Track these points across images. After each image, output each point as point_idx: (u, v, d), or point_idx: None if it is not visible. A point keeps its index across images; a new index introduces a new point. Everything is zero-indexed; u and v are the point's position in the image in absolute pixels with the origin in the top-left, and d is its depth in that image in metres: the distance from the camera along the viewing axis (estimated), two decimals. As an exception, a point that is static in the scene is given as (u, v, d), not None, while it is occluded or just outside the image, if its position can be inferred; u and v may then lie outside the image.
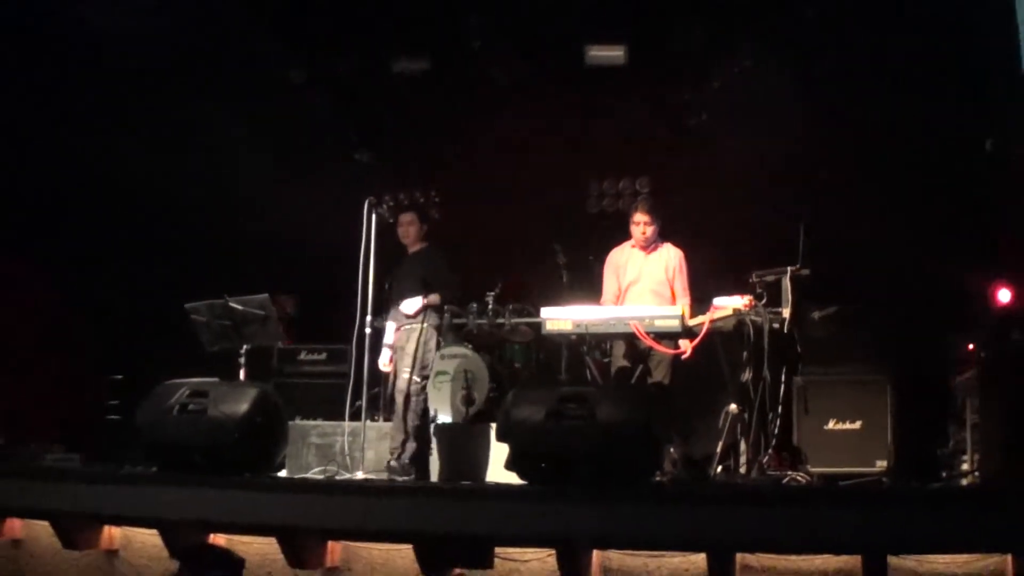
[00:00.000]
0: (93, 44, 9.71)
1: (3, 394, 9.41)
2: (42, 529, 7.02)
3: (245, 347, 7.82)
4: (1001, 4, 7.83)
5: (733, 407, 7.72)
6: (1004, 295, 8.45)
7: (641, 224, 8.13)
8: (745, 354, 7.71)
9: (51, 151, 9.94)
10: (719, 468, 7.77)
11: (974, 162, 8.93)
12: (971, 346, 7.99)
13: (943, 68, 8.72)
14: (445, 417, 8.88)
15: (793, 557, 5.89)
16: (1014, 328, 7.98)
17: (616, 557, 6.19)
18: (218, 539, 6.51)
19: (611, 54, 10.29)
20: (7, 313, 10.06)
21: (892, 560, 5.63)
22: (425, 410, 8.42)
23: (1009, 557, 5.53)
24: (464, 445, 7.63)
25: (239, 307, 7.62)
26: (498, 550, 6.20)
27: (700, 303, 7.93)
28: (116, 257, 10.29)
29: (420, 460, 8.06)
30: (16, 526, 7.16)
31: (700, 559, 5.97)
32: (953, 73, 8.66)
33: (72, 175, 10.04)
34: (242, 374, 7.73)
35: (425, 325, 8.41)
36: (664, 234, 8.26)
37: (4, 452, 8.37)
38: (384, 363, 8.61)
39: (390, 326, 8.62)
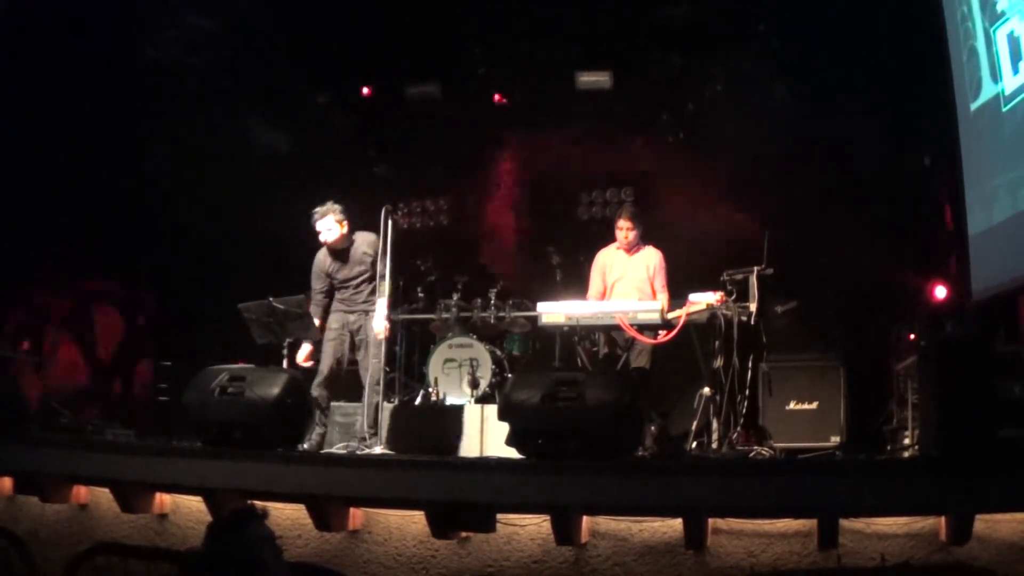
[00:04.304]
0: (156, 76, 9.79)
1: (72, 378, 9.47)
2: (103, 495, 7.02)
3: (287, 340, 7.82)
4: (936, 41, 7.89)
5: (706, 390, 7.72)
6: (940, 292, 8.49)
7: (624, 229, 8.05)
8: (717, 343, 7.71)
9: (120, 170, 9.96)
10: (694, 444, 7.77)
11: (915, 176, 8.97)
12: (912, 336, 8.03)
13: (889, 94, 8.74)
14: (454, 400, 8.93)
15: (758, 521, 5.89)
16: (948, 320, 8.04)
17: (603, 522, 6.16)
18: (253, 506, 6.50)
19: (599, 79, 10.31)
20: (77, 312, 10.13)
21: (843, 523, 5.66)
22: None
23: (943, 519, 5.57)
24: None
25: (281, 306, 7.64)
26: (499, 516, 6.17)
27: (677, 298, 7.90)
28: (166, 260, 10.31)
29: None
30: (82, 492, 7.15)
31: (677, 523, 5.95)
32: (897, 98, 8.68)
33: (135, 191, 10.04)
34: (284, 363, 7.75)
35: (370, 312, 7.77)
36: (645, 237, 8.21)
37: (71, 428, 8.38)
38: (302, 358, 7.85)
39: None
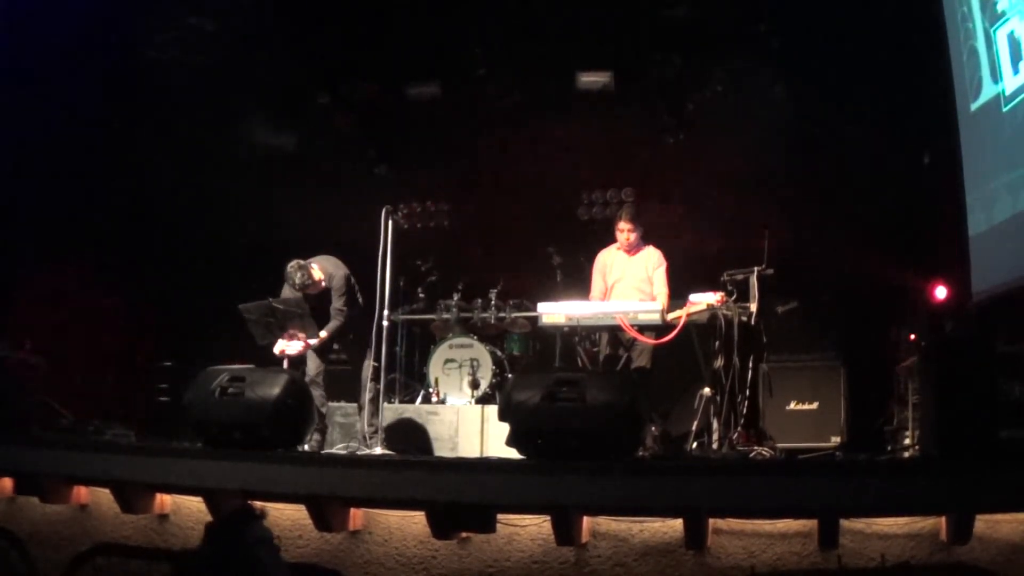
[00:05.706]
0: (156, 77, 9.79)
1: (73, 379, 9.45)
2: (104, 495, 7.02)
3: None
4: (936, 41, 7.89)
5: (707, 390, 7.74)
6: (940, 292, 8.47)
7: (625, 231, 8.05)
8: (717, 344, 7.72)
9: (120, 170, 9.96)
10: (694, 444, 7.78)
11: (915, 176, 8.96)
12: (912, 336, 8.03)
13: (889, 94, 8.74)
14: (455, 401, 8.94)
15: (758, 521, 5.90)
16: (948, 320, 8.04)
17: (604, 522, 6.18)
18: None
19: (599, 80, 10.31)
20: (78, 312, 10.10)
21: (844, 523, 5.67)
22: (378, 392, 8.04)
23: (944, 519, 5.59)
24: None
25: (281, 307, 7.69)
26: (500, 516, 6.18)
27: (677, 298, 7.90)
28: (166, 260, 10.31)
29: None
30: (82, 493, 7.16)
31: (677, 524, 5.96)
32: (897, 98, 8.68)
33: (135, 192, 10.05)
34: (285, 364, 7.76)
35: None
36: (646, 238, 8.21)
37: (71, 429, 8.39)
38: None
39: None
